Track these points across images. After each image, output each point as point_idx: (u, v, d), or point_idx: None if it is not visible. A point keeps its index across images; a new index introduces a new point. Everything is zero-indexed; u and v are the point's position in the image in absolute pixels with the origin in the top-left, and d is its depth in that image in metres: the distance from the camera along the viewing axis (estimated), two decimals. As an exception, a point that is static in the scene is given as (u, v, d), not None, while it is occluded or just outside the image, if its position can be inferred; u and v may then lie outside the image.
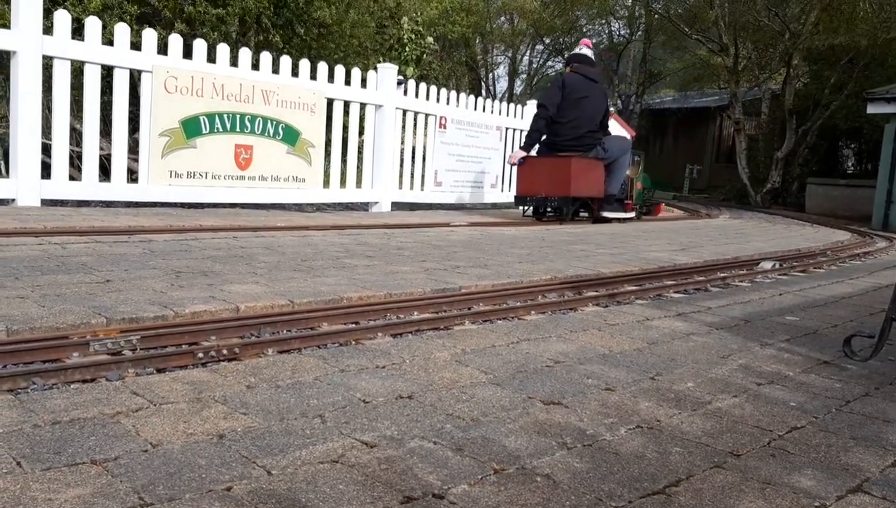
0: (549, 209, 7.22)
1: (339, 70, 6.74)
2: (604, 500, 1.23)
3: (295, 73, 6.34)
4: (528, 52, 24.46)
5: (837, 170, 19.18)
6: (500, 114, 9.02)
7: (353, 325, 2.33)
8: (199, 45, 5.63)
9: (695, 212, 11.85)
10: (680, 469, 1.38)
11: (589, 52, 7.57)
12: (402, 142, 7.72)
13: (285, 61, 6.28)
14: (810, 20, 15.48)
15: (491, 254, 4.12)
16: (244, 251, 3.56)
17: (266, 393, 1.63)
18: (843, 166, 20.03)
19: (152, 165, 5.38)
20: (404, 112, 7.56)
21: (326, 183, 6.92)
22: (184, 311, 2.20)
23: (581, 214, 7.59)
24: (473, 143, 8.55)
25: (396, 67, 7.48)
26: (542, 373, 1.95)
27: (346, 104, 6.90)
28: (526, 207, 7.31)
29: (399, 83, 7.43)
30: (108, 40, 5.27)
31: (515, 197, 7.40)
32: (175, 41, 5.48)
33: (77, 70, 5.17)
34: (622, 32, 23.93)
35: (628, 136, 11.21)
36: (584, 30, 22.92)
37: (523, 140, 7.68)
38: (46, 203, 4.94)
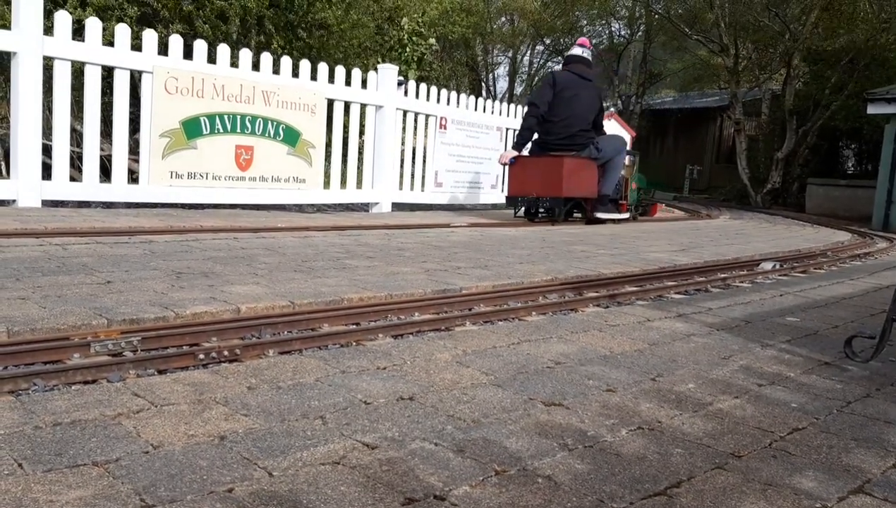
0: (541, 210, 7.12)
1: (340, 71, 6.75)
2: (605, 501, 1.23)
3: (295, 73, 6.35)
4: (529, 52, 24.47)
5: (838, 170, 19.17)
6: (500, 114, 9.02)
7: (354, 326, 2.33)
8: (200, 46, 5.63)
9: (695, 213, 11.85)
10: (681, 470, 1.38)
11: (583, 52, 7.43)
12: (403, 143, 7.72)
13: (286, 62, 6.28)
14: (810, 20, 15.48)
15: (491, 255, 4.12)
16: (245, 252, 3.56)
17: (267, 395, 1.63)
18: (844, 167, 20.02)
19: (153, 166, 5.39)
20: (405, 112, 7.56)
21: (327, 183, 6.92)
22: (185, 312, 2.20)
23: (575, 215, 7.50)
24: (474, 144, 8.55)
25: (397, 68, 7.48)
26: (543, 374, 1.95)
27: (347, 105, 6.90)
28: (517, 208, 7.21)
29: (399, 84, 7.43)
30: (108, 41, 5.27)
31: (507, 197, 7.31)
32: (175, 42, 5.48)
33: (77, 71, 5.17)
34: (622, 33, 23.95)
35: (628, 137, 11.19)
36: (585, 30, 22.92)
37: (514, 139, 7.57)
38: (47, 204, 4.95)
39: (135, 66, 5.25)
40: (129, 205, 5.53)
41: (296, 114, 6.30)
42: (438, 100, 7.96)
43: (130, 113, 5.43)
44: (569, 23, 21.80)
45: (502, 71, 28.36)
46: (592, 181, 7.16)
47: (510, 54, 24.40)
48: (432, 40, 11.01)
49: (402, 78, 7.80)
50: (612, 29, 24.09)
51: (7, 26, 4.72)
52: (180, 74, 5.44)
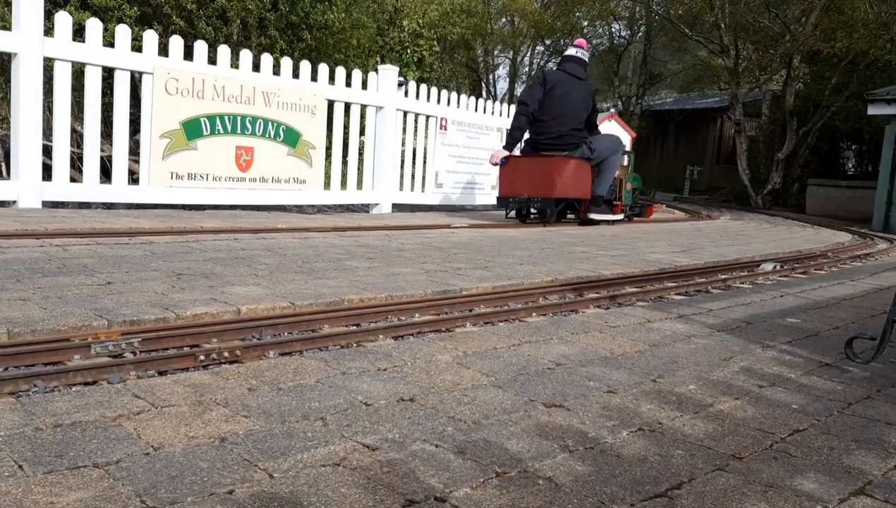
0: (532, 211, 6.98)
1: (340, 72, 6.75)
2: (606, 503, 1.23)
3: (296, 74, 6.35)
4: (529, 53, 24.48)
5: (838, 171, 19.16)
6: (500, 115, 9.02)
7: (355, 327, 2.33)
8: (200, 47, 5.64)
9: (695, 214, 11.84)
10: (682, 471, 1.38)
11: (578, 52, 7.21)
12: (403, 144, 7.72)
13: (286, 63, 6.28)
14: (810, 21, 15.48)
15: (492, 256, 4.12)
16: (245, 253, 3.56)
17: (267, 396, 1.63)
18: (844, 167, 20.01)
19: (153, 167, 5.39)
20: (405, 113, 7.56)
21: (327, 184, 6.93)
22: (185, 313, 2.20)
23: (569, 216, 7.36)
24: (474, 144, 8.55)
25: (397, 69, 7.48)
26: (543, 376, 1.95)
27: (347, 106, 6.91)
28: (508, 209, 7.05)
29: (400, 85, 7.43)
30: (108, 42, 5.28)
31: (498, 198, 7.16)
32: (175, 43, 5.48)
33: (78, 72, 5.17)
34: (622, 34, 23.95)
35: (628, 137, 11.17)
36: (585, 31, 22.92)
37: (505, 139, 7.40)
38: (47, 204, 4.95)
39: (135, 66, 5.25)
40: (129, 206, 5.53)
41: (296, 115, 6.30)
42: (439, 101, 7.96)
43: (131, 114, 5.43)
44: (569, 23, 21.80)
45: (502, 72, 28.40)
46: (585, 181, 6.99)
47: (510, 55, 24.41)
48: (434, 42, 11.01)
49: (402, 79, 7.80)
50: (613, 30, 24.11)
51: (8, 27, 4.72)
52: (181, 75, 5.44)
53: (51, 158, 4.98)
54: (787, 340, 2.63)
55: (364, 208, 7.53)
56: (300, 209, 7.00)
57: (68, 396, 1.54)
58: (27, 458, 1.22)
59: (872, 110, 11.65)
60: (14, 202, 4.75)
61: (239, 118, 5.87)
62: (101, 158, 5.31)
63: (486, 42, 22.35)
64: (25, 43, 4.67)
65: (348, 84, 6.83)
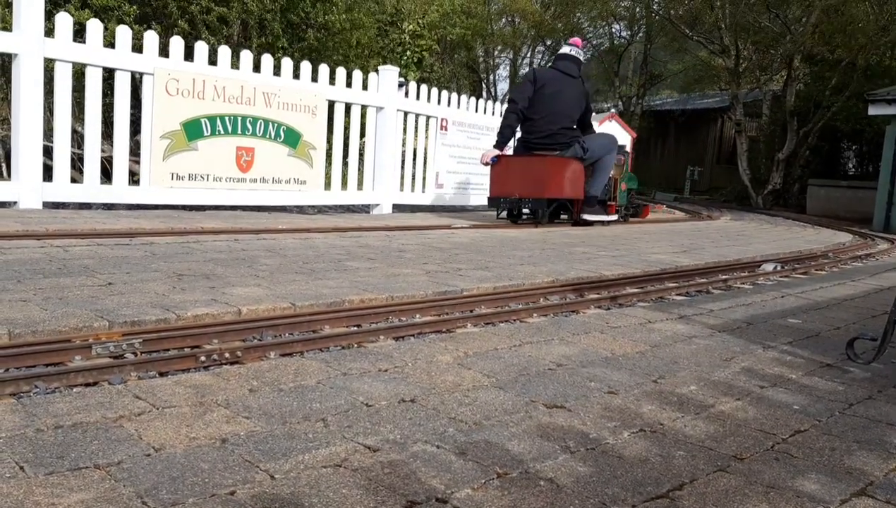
0: (524, 211, 6.85)
1: (341, 72, 6.75)
2: (607, 504, 1.22)
3: (296, 75, 6.35)
4: (530, 53, 24.47)
5: (839, 171, 19.16)
6: (501, 115, 9.01)
7: (355, 328, 2.33)
8: (201, 48, 5.64)
9: (696, 214, 11.84)
10: (683, 472, 1.38)
11: (571, 50, 7.05)
12: (404, 144, 7.72)
13: (286, 63, 6.29)
14: (811, 21, 15.48)
15: (492, 257, 4.12)
16: (246, 254, 3.56)
17: (268, 397, 1.63)
18: (845, 168, 20.01)
19: (154, 168, 5.39)
20: (405, 114, 7.56)
21: (328, 185, 6.93)
22: (186, 314, 2.20)
23: (562, 217, 7.25)
24: (475, 145, 8.55)
25: (398, 70, 7.49)
26: (544, 376, 1.95)
27: (348, 106, 6.91)
28: (499, 210, 6.92)
29: (400, 85, 7.44)
30: (109, 42, 5.28)
31: (489, 198, 7.02)
32: (176, 43, 5.49)
33: (78, 72, 5.17)
34: (623, 34, 23.95)
35: (628, 138, 11.16)
36: (585, 32, 22.92)
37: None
38: (48, 205, 4.95)
39: (136, 67, 5.26)
40: (130, 207, 5.54)
41: (297, 116, 6.30)
42: (439, 102, 7.96)
43: (131, 114, 5.44)
44: (570, 24, 21.80)
45: (503, 72, 28.38)
46: (578, 181, 6.83)
47: (511, 55, 24.41)
48: (435, 45, 11.01)
49: (402, 79, 7.80)
50: (613, 30, 24.11)
51: (8, 28, 4.73)
52: (181, 76, 5.45)
53: (51, 159, 4.98)
54: (788, 341, 2.62)
55: (364, 209, 7.53)
56: (301, 210, 7.00)
57: (69, 397, 1.54)
58: (28, 459, 1.22)
59: (873, 110, 11.65)
60: (15, 203, 4.76)
61: (239, 119, 5.87)
62: (102, 159, 5.31)
63: (487, 43, 22.35)
64: (26, 43, 4.68)
65: (349, 84, 6.83)
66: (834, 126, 16.65)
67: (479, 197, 8.78)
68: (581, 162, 6.81)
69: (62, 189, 5.00)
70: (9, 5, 4.77)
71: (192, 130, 5.57)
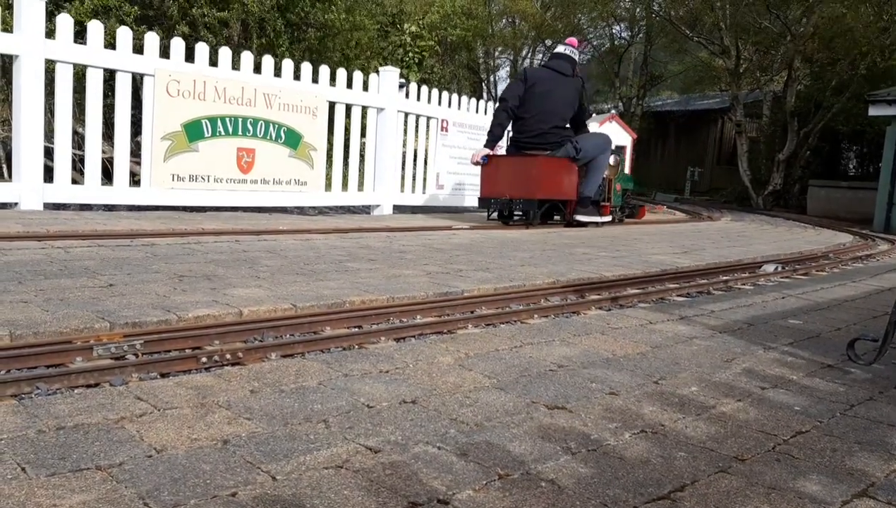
0: (515, 213, 6.73)
1: (341, 73, 6.76)
2: (609, 505, 1.22)
3: (297, 76, 6.35)
4: (530, 54, 24.48)
5: (839, 172, 19.15)
6: (501, 116, 9.01)
7: (356, 329, 2.33)
8: (201, 49, 5.64)
9: (696, 215, 11.84)
10: (685, 474, 1.38)
11: (566, 49, 6.93)
12: (404, 145, 7.73)
13: (287, 64, 6.29)
14: (811, 22, 15.48)
15: (493, 258, 4.12)
16: (247, 255, 3.56)
17: (270, 398, 1.63)
18: (845, 168, 20.00)
19: (154, 169, 5.39)
20: (406, 115, 7.57)
21: (328, 186, 6.93)
22: (187, 315, 2.20)
23: (555, 218, 7.14)
24: (475, 146, 8.52)
25: (398, 71, 7.49)
26: (545, 377, 1.95)
27: (348, 107, 6.91)
28: (490, 211, 6.81)
29: (401, 86, 7.44)
30: (109, 43, 5.28)
31: (479, 199, 6.92)
32: (177, 45, 5.49)
33: (79, 73, 5.17)
34: (623, 35, 23.96)
35: (629, 138, 11.14)
36: (586, 33, 22.92)
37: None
38: (49, 206, 4.95)
39: (136, 68, 5.26)
40: (130, 208, 5.54)
41: (297, 117, 6.31)
42: (440, 103, 7.97)
43: (132, 115, 5.44)
44: (570, 25, 21.80)
45: (504, 73, 28.36)
46: (570, 182, 6.73)
47: (511, 56, 24.42)
48: (435, 46, 11.02)
49: (403, 80, 7.81)
50: (613, 31, 24.11)
51: (9, 29, 4.73)
52: (182, 77, 5.45)
53: (52, 160, 4.99)
54: (789, 342, 2.62)
55: (365, 210, 7.54)
56: (301, 211, 7.00)
57: (70, 398, 1.54)
58: (30, 461, 1.22)
59: (874, 111, 11.65)
60: (16, 204, 4.76)
61: (240, 120, 5.88)
62: (103, 160, 5.32)
63: (488, 44, 22.36)
64: (27, 45, 4.68)
65: (349, 85, 6.84)
66: (834, 127, 16.65)
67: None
68: (574, 162, 6.71)
69: (63, 190, 5.01)
70: (9, 6, 4.77)
71: (193, 131, 5.57)
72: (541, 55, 23.96)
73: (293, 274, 3.09)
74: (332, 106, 6.67)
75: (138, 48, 5.27)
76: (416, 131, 7.82)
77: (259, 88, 5.98)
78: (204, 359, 1.85)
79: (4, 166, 6.77)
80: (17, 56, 4.70)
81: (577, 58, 7.01)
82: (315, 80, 6.53)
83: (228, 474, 1.23)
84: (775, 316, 3.10)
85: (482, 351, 2.17)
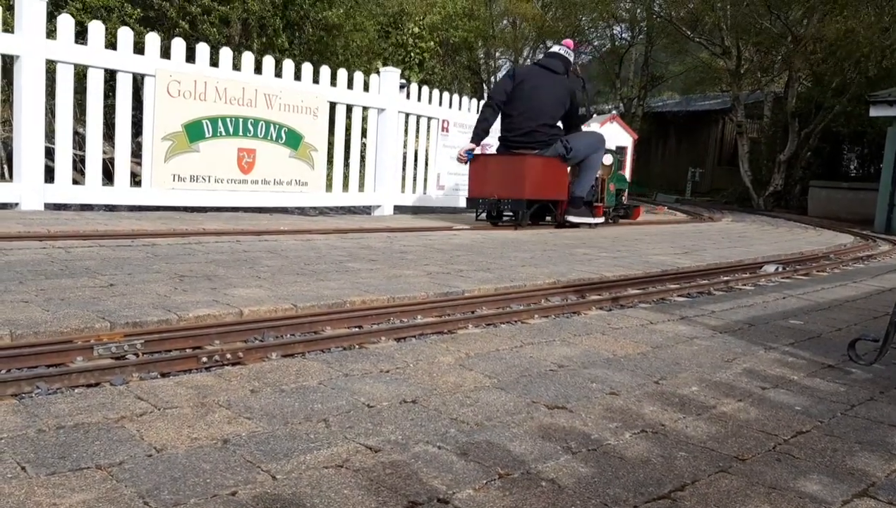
0: (504, 213, 6.60)
1: (342, 74, 6.76)
2: (609, 505, 1.22)
3: (297, 76, 6.35)
4: (531, 55, 24.48)
5: (840, 173, 19.15)
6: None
7: (357, 329, 2.33)
8: (202, 49, 5.65)
9: (697, 216, 11.84)
10: (685, 473, 1.38)
11: (560, 49, 6.78)
12: (405, 146, 7.73)
13: (288, 65, 6.29)
14: (812, 22, 15.48)
15: (493, 258, 4.12)
16: (247, 255, 3.56)
17: (270, 398, 1.63)
18: (846, 169, 20.00)
19: (155, 169, 5.39)
20: (406, 115, 7.57)
21: (329, 186, 6.93)
22: (187, 315, 2.20)
23: (547, 219, 7.02)
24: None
25: (399, 71, 7.49)
26: (546, 377, 1.95)
27: (349, 108, 6.91)
28: (478, 211, 6.66)
29: (401, 87, 7.44)
30: (110, 44, 5.29)
31: (467, 199, 6.74)
32: (178, 45, 5.49)
33: (80, 74, 5.18)
34: (624, 36, 23.96)
35: (630, 138, 11.14)
36: (587, 34, 22.93)
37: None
38: (50, 207, 4.95)
39: (137, 69, 5.27)
40: (131, 208, 5.54)
41: (298, 117, 6.31)
42: (440, 103, 7.97)
43: (133, 116, 5.45)
44: (571, 26, 21.81)
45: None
46: (560, 182, 6.58)
47: (512, 57, 24.42)
48: (435, 46, 11.03)
49: (404, 81, 7.81)
50: (614, 32, 24.12)
51: (10, 30, 4.74)
52: (183, 77, 5.45)
53: (53, 160, 4.99)
54: (790, 342, 2.62)
55: (366, 210, 7.54)
56: (302, 211, 7.00)
57: (71, 398, 1.54)
58: (30, 460, 1.22)
59: (874, 112, 11.64)
60: (16, 204, 4.76)
61: (241, 120, 5.88)
62: (104, 160, 5.32)
63: (489, 45, 22.37)
64: (28, 45, 4.69)
65: (350, 86, 6.84)
66: (835, 127, 16.65)
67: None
68: (564, 161, 6.57)
69: (64, 190, 5.01)
70: (10, 7, 4.78)
71: (194, 132, 5.58)
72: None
73: (294, 274, 3.09)
74: (332, 106, 6.67)
75: (139, 48, 5.28)
76: (417, 132, 7.82)
77: (260, 89, 5.99)
78: (204, 359, 1.85)
79: (5, 166, 6.78)
80: (18, 56, 4.70)
81: (571, 58, 6.85)
82: (316, 80, 6.54)
83: (228, 473, 1.23)
84: (776, 317, 3.10)
85: (483, 351, 2.17)
